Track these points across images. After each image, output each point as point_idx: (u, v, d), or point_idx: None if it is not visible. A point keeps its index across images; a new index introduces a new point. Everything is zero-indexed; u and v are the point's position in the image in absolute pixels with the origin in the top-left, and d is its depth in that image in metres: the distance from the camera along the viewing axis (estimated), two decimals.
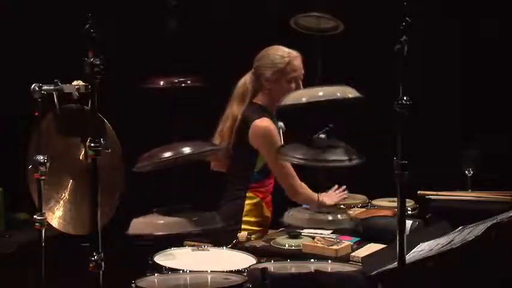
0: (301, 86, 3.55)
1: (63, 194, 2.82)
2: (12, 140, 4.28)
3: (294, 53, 3.56)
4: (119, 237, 2.85)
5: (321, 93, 2.63)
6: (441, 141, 4.79)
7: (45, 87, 2.67)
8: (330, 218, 2.79)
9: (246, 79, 3.64)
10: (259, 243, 3.18)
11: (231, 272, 2.77)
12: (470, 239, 2.53)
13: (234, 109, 3.61)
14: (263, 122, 3.54)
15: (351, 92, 2.68)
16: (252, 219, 3.60)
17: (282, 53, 3.56)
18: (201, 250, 3.09)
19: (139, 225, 2.72)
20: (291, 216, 2.84)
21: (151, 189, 4.41)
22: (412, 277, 2.44)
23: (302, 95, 2.73)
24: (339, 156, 2.55)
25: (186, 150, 2.73)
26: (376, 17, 4.44)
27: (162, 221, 2.70)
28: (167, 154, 2.70)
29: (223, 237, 3.26)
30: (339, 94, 2.60)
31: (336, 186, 3.82)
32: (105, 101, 2.42)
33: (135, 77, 2.83)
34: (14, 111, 4.76)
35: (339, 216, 2.84)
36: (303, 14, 2.77)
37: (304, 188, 3.55)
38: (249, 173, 3.58)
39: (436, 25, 4.73)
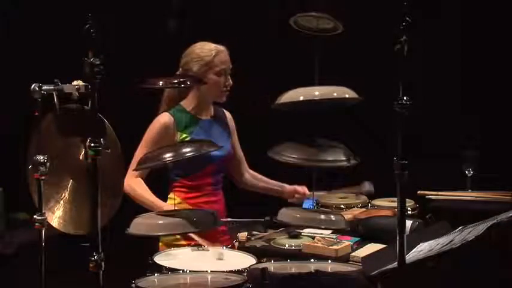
0: (230, 81, 3.54)
1: (63, 194, 2.82)
2: (12, 140, 4.28)
3: (221, 47, 3.56)
4: (119, 237, 2.85)
5: (317, 92, 2.64)
6: (441, 141, 4.80)
7: (45, 87, 2.67)
8: (322, 216, 2.80)
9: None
10: (259, 243, 3.18)
11: (231, 272, 2.76)
12: (470, 239, 2.53)
13: (159, 113, 3.59)
14: (158, 116, 3.54)
15: (348, 93, 2.69)
16: None
17: (208, 47, 3.55)
18: (201, 250, 3.09)
19: (140, 225, 2.72)
20: (283, 214, 2.85)
21: (152, 189, 4.41)
22: (412, 277, 2.44)
23: (299, 94, 2.73)
24: (336, 157, 2.55)
25: (187, 150, 2.73)
26: (376, 17, 4.44)
27: (162, 221, 2.70)
28: (168, 155, 2.70)
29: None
30: (335, 94, 2.60)
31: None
32: (105, 101, 2.41)
33: (135, 77, 2.83)
34: (14, 111, 4.77)
35: (331, 216, 2.86)
36: (302, 14, 2.78)
37: (137, 184, 3.44)
38: (169, 173, 3.56)
39: (436, 25, 4.73)
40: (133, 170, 3.19)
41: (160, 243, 3.45)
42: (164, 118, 3.52)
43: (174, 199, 3.49)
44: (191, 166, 3.45)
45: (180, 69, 3.59)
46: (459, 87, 4.94)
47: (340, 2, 3.54)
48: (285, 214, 2.86)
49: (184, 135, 3.50)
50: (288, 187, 3.82)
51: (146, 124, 3.56)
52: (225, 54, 3.57)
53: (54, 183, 2.77)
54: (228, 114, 3.73)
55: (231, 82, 3.56)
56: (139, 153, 3.41)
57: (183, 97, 3.61)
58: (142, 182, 3.46)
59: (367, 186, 3.78)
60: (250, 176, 3.84)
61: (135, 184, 3.42)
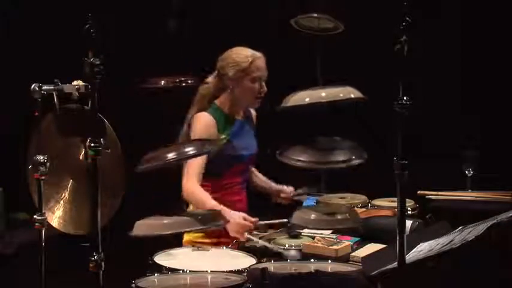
0: (265, 88, 3.54)
1: (63, 194, 2.82)
2: (12, 140, 4.28)
3: (258, 54, 3.55)
4: (119, 238, 2.85)
5: (323, 94, 2.63)
6: (441, 141, 4.80)
7: (45, 87, 2.67)
8: (339, 217, 2.79)
9: (210, 81, 3.63)
10: (259, 243, 3.18)
11: (231, 272, 2.76)
12: (470, 239, 2.53)
13: (191, 112, 3.60)
14: (200, 115, 3.53)
15: (353, 93, 2.69)
16: None
17: (245, 53, 3.54)
18: (201, 250, 3.09)
19: (144, 225, 2.72)
20: (297, 217, 2.84)
21: (152, 189, 4.42)
22: (412, 277, 2.44)
23: (304, 96, 2.72)
24: (343, 157, 2.55)
25: (189, 150, 2.73)
26: (376, 17, 4.44)
27: (165, 221, 2.69)
28: (170, 155, 2.70)
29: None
30: (341, 95, 2.60)
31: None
32: (105, 101, 2.42)
33: (135, 77, 2.83)
34: (14, 111, 4.77)
35: (347, 215, 2.85)
36: (303, 14, 2.78)
37: (197, 190, 3.42)
38: None
39: (436, 25, 4.73)
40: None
41: (183, 241, 3.46)
42: (206, 119, 3.52)
43: None
44: (220, 165, 3.49)
45: (216, 72, 3.60)
46: (459, 87, 4.94)
47: (340, 2, 3.54)
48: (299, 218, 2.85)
49: (223, 136, 3.52)
50: (274, 187, 3.83)
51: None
52: (262, 61, 3.55)
53: (54, 183, 2.77)
54: (253, 112, 3.74)
55: (265, 89, 3.54)
56: (196, 159, 3.38)
57: (216, 96, 3.60)
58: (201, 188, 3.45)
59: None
60: (253, 173, 3.84)
61: (192, 188, 3.41)
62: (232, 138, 3.55)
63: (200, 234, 3.45)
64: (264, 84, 3.55)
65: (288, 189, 3.80)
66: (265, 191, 3.84)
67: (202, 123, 3.51)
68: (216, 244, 3.37)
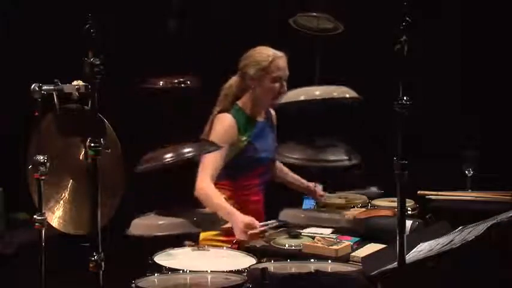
0: (285, 87, 3.53)
1: (63, 194, 2.82)
2: (12, 140, 4.28)
3: (279, 54, 3.55)
4: (119, 237, 2.86)
5: (317, 92, 2.64)
6: (441, 141, 4.80)
7: (45, 87, 2.67)
8: (327, 215, 2.80)
9: (232, 80, 3.64)
10: (259, 243, 3.18)
11: (231, 272, 2.76)
12: (470, 239, 2.53)
13: (214, 111, 3.62)
14: (221, 116, 3.54)
15: (348, 92, 2.69)
16: None
17: (266, 52, 3.55)
18: (201, 250, 3.09)
19: (140, 225, 2.73)
20: (286, 213, 2.85)
21: (152, 189, 4.41)
22: (412, 277, 2.44)
23: (299, 94, 2.73)
24: (338, 156, 2.56)
25: (188, 151, 2.74)
26: (376, 17, 4.44)
27: (162, 222, 2.70)
28: (169, 155, 2.71)
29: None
30: (335, 94, 2.60)
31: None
32: (105, 101, 2.42)
33: (135, 77, 2.83)
34: (14, 111, 4.77)
35: (336, 216, 2.85)
36: (302, 14, 2.78)
37: (210, 188, 3.41)
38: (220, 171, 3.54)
39: (436, 25, 4.73)
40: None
41: (200, 240, 3.46)
42: (228, 120, 3.53)
43: None
44: (241, 167, 3.52)
45: (239, 71, 3.61)
46: (459, 87, 4.94)
47: (340, 2, 3.54)
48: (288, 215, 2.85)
49: (244, 138, 3.54)
50: (314, 189, 3.82)
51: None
52: (283, 61, 3.55)
53: (54, 183, 2.77)
54: (273, 112, 3.74)
55: (285, 89, 3.53)
56: (216, 158, 3.41)
57: (239, 96, 3.62)
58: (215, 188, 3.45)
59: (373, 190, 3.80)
60: (277, 167, 3.85)
61: (206, 189, 3.41)
62: (254, 140, 3.56)
63: (216, 232, 3.46)
64: (284, 84, 3.55)
65: (318, 187, 3.81)
66: (306, 190, 3.84)
67: (224, 124, 3.52)
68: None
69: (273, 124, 3.74)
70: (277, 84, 3.53)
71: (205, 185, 3.40)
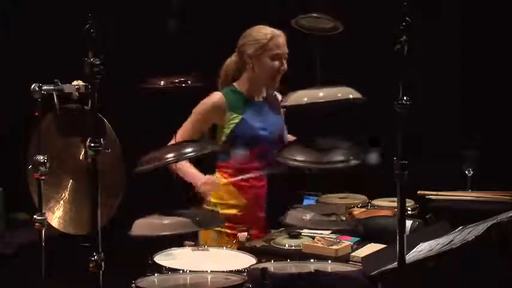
0: (285, 65, 3.53)
1: (63, 194, 2.82)
2: (12, 140, 4.28)
3: (278, 32, 3.54)
4: (119, 238, 2.85)
5: (321, 94, 2.63)
6: (441, 141, 4.79)
7: (45, 87, 2.68)
8: (333, 218, 2.79)
9: (230, 60, 3.64)
10: (259, 243, 3.18)
11: (231, 272, 2.76)
12: (470, 239, 2.53)
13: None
14: (213, 93, 3.57)
15: (352, 93, 2.68)
16: (217, 200, 3.58)
17: (265, 31, 3.55)
18: (201, 250, 3.09)
19: (142, 226, 2.72)
20: (291, 216, 2.82)
21: (152, 189, 4.41)
22: (412, 277, 2.44)
23: (303, 96, 2.72)
24: (342, 158, 2.55)
25: (188, 150, 2.73)
26: (376, 17, 4.44)
27: (164, 221, 2.69)
28: (169, 155, 2.70)
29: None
30: (340, 95, 2.59)
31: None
32: (105, 101, 2.42)
33: (135, 77, 2.83)
34: (14, 111, 4.77)
35: (341, 217, 2.84)
36: (303, 14, 2.78)
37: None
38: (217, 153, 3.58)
39: (436, 25, 4.73)
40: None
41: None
42: (215, 97, 3.55)
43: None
44: (239, 146, 3.53)
45: (236, 50, 3.61)
46: (459, 87, 4.94)
47: (340, 2, 3.54)
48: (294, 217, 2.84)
49: (234, 115, 3.53)
50: None
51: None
52: (282, 39, 3.55)
53: (54, 183, 2.78)
54: (279, 96, 3.70)
55: (285, 67, 3.54)
56: (187, 126, 3.51)
57: (236, 78, 3.62)
58: None
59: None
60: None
61: None
62: (249, 118, 3.55)
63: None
64: (284, 62, 3.54)
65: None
66: None
67: (211, 100, 3.54)
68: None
69: (276, 105, 3.67)
70: (276, 62, 3.52)
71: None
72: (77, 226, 2.81)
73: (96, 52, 2.37)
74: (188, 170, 3.50)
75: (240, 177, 3.50)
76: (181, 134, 3.45)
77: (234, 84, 3.61)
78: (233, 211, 3.55)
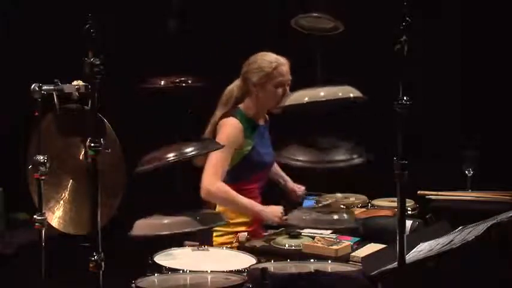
0: (288, 91, 3.55)
1: (63, 194, 2.82)
2: (12, 140, 4.28)
3: (282, 60, 3.58)
4: (119, 238, 2.85)
5: (322, 93, 2.62)
6: (441, 141, 4.80)
7: (45, 87, 2.68)
8: (336, 217, 2.78)
9: (234, 85, 3.66)
10: (259, 243, 3.18)
11: (231, 272, 2.76)
12: (470, 239, 2.53)
13: (217, 114, 3.64)
14: (228, 120, 3.56)
15: (352, 92, 2.68)
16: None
17: (269, 59, 3.57)
18: (201, 250, 3.09)
19: (143, 226, 2.72)
20: (293, 216, 2.82)
21: (152, 189, 4.41)
22: (412, 277, 2.44)
23: (304, 95, 2.72)
24: (342, 156, 2.54)
25: (189, 150, 2.73)
26: (376, 17, 4.44)
27: (165, 221, 2.69)
28: (170, 155, 2.70)
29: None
30: (340, 94, 2.59)
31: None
32: (105, 101, 2.42)
33: (135, 77, 2.83)
34: (14, 111, 4.77)
35: (344, 215, 2.84)
36: (303, 14, 2.77)
37: (221, 188, 3.48)
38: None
39: (436, 25, 4.73)
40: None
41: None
42: (237, 124, 3.55)
43: None
44: (244, 171, 3.56)
45: (241, 77, 3.64)
46: (459, 87, 4.94)
47: (340, 2, 3.54)
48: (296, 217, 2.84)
49: (248, 141, 3.56)
50: (290, 184, 3.89)
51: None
52: (286, 67, 3.59)
53: (54, 183, 2.78)
54: (266, 116, 3.76)
55: (288, 92, 3.53)
56: (225, 158, 3.48)
57: (240, 100, 3.64)
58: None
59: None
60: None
61: (224, 187, 3.47)
62: (256, 144, 3.59)
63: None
64: (287, 88, 3.58)
65: (299, 190, 3.83)
66: (280, 183, 3.90)
67: (232, 128, 3.54)
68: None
69: (269, 128, 3.75)
70: (280, 90, 3.55)
71: (220, 185, 3.45)
72: (77, 226, 2.80)
73: (96, 52, 2.37)
74: (241, 201, 3.50)
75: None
76: (222, 169, 3.47)
77: (240, 106, 3.62)
78: (243, 228, 3.56)
